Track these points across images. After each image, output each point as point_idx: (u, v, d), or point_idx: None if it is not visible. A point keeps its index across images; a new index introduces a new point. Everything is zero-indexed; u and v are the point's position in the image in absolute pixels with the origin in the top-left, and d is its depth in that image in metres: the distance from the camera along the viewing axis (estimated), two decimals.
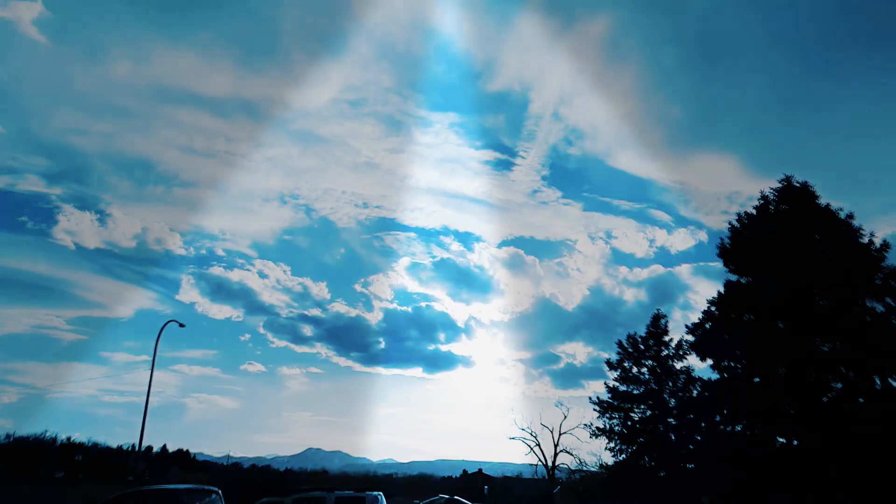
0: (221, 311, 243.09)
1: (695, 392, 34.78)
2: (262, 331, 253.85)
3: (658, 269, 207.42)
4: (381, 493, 21.61)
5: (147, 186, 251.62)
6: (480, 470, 44.00)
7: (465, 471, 43.64)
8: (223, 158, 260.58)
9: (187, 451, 40.07)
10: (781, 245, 29.49)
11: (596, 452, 42.77)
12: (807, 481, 25.00)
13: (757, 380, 30.00)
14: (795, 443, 27.53)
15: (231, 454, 73.35)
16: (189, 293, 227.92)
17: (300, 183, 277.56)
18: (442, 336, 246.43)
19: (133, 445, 37.37)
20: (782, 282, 29.07)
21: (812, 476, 24.93)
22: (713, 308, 32.31)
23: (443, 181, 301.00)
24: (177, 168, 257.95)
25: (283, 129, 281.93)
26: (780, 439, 28.05)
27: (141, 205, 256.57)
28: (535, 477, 46.52)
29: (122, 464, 36.58)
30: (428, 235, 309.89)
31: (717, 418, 31.87)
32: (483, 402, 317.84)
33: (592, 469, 41.97)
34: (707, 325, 32.29)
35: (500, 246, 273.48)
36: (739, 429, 30.19)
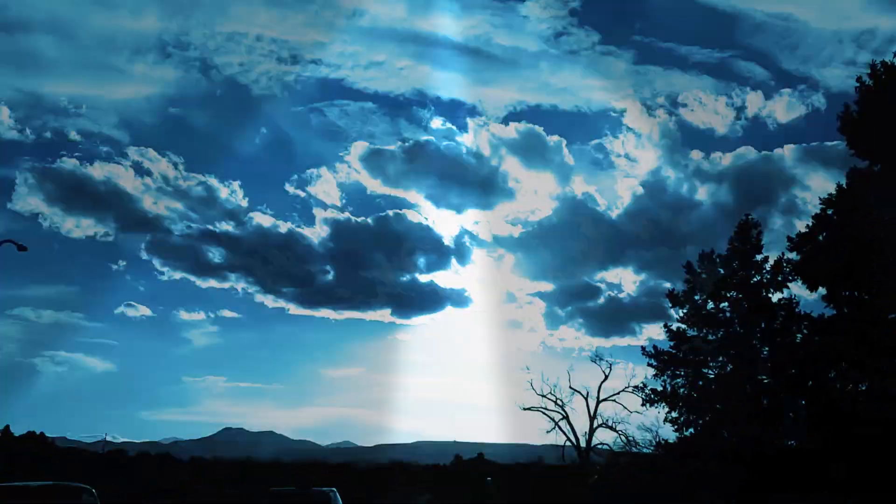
0: (81, 227, 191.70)
1: (799, 336, 29.25)
2: (144, 256, 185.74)
3: (749, 152, 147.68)
4: (334, 489, 20.75)
5: None
6: (481, 454, 40.35)
7: (458, 456, 39.25)
8: None
9: (41, 434, 34.69)
10: None
11: (651, 427, 34.17)
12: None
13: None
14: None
15: (109, 438, 60.79)
16: (29, 199, 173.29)
17: (189, 24, 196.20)
18: (420, 261, 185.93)
19: None
20: None
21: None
22: (829, 211, 26.70)
23: (415, 19, 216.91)
24: None
25: None
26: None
27: None
28: (562, 463, 40.32)
29: None
30: (395, 106, 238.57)
31: (832, 374, 27.12)
32: (483, 358, 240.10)
33: (646, 451, 34.57)
34: (820, 237, 26.85)
35: (506, 121, 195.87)
36: (865, 387, 25.86)
